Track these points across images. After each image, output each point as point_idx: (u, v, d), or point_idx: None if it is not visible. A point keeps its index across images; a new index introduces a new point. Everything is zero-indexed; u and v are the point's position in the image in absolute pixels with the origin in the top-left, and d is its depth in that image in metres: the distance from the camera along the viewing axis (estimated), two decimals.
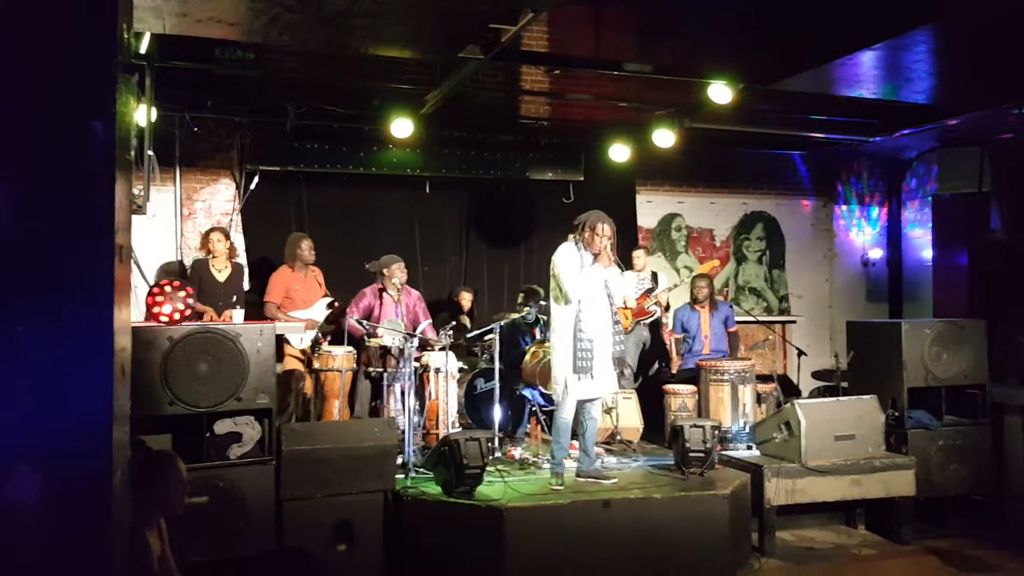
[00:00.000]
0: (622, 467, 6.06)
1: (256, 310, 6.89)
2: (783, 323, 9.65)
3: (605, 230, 5.42)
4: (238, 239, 7.60)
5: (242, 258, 7.47)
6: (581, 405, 5.52)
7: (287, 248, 7.08)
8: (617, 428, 7.00)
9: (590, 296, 5.44)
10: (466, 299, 7.92)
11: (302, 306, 6.93)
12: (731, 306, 8.06)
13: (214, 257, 6.91)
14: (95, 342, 1.85)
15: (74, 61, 1.88)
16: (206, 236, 7.03)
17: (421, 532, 5.16)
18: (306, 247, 7.03)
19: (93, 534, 1.86)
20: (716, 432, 5.78)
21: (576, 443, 5.76)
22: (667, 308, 8.12)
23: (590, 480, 5.50)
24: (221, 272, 6.93)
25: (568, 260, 5.45)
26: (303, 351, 6.86)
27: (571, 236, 5.63)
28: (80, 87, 1.89)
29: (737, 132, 8.70)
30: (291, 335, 6.58)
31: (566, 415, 5.47)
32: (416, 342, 6.42)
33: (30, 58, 1.85)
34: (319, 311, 6.96)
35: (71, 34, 1.89)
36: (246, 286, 7.31)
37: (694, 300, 7.79)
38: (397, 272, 7.03)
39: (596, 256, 5.45)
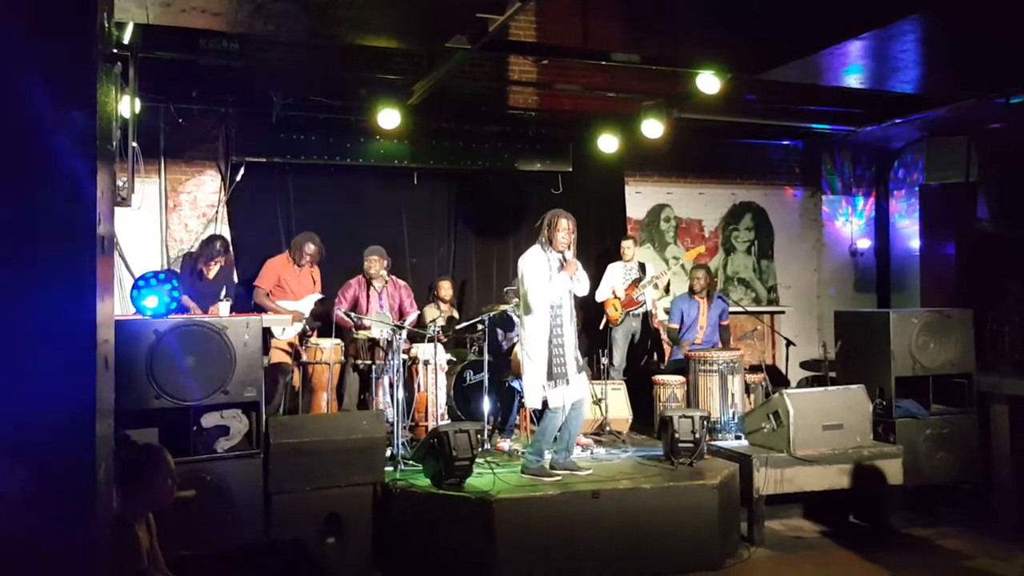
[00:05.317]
0: (611, 458, 6.07)
1: (245, 302, 6.84)
2: (772, 313, 9.67)
3: (564, 223, 5.42)
4: (224, 231, 7.54)
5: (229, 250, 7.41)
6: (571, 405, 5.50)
7: (294, 240, 7.06)
8: (606, 419, 7.01)
9: (559, 300, 5.42)
10: (444, 288, 7.78)
11: (291, 297, 6.89)
12: (724, 299, 8.07)
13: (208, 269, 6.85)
14: (77, 334, 1.83)
15: (52, 49, 1.85)
16: (210, 245, 6.87)
17: (410, 524, 5.16)
18: (308, 250, 6.94)
19: (77, 528, 1.83)
20: (705, 422, 5.80)
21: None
22: (667, 290, 8.12)
23: (565, 472, 5.47)
24: (211, 268, 6.85)
25: (536, 268, 5.41)
26: (290, 343, 6.82)
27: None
28: (59, 75, 1.85)
29: (726, 122, 8.69)
30: (275, 327, 6.53)
31: (559, 420, 5.45)
32: (404, 334, 6.39)
33: (5, 45, 1.82)
34: (307, 305, 6.91)
35: (49, 21, 1.85)
36: (235, 278, 7.26)
37: (692, 290, 7.78)
38: (369, 263, 6.98)
39: (563, 262, 5.40)
